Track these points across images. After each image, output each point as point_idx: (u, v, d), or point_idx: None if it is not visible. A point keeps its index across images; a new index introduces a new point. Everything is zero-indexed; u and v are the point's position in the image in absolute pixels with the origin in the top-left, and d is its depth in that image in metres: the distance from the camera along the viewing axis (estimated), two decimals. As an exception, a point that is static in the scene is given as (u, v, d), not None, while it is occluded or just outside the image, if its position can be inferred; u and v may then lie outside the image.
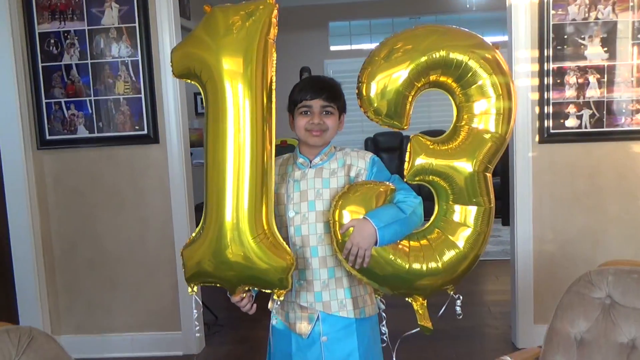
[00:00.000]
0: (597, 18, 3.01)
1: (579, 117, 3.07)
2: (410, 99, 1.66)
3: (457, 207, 1.69)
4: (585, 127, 3.07)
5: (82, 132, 3.20)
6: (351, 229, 1.64)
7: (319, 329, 1.76)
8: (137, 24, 3.11)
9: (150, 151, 3.22)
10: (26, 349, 1.57)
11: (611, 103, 3.05)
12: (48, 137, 3.23)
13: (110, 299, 3.35)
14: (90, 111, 3.18)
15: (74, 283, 3.36)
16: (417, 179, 1.70)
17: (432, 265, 1.68)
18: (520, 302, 3.23)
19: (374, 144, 7.16)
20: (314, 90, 1.77)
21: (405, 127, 1.69)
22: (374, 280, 1.71)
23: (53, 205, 3.31)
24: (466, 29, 1.68)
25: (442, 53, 1.61)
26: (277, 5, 1.63)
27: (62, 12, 3.15)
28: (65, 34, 3.15)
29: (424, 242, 1.71)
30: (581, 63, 3.04)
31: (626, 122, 3.06)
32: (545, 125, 3.09)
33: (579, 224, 3.16)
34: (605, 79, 3.03)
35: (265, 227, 1.61)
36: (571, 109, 3.07)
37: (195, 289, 1.71)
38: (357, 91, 1.68)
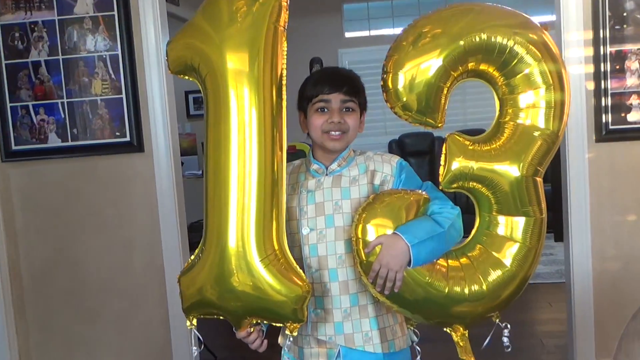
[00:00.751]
0: (662, -9, 3.02)
1: (644, 110, 3.07)
2: (445, 91, 1.68)
3: (502, 219, 1.71)
4: (652, 122, 3.07)
5: (54, 141, 3.23)
6: (378, 247, 1.65)
7: (340, 367, 1.76)
8: (115, 12, 3.15)
9: (134, 161, 3.26)
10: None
11: (682, 92, 3.04)
12: (14, 148, 3.26)
13: (90, 334, 3.37)
14: (62, 116, 3.22)
15: (47, 317, 3.38)
16: (455, 186, 1.72)
17: (475, 288, 1.69)
18: (578, 332, 3.21)
19: (399, 148, 7.17)
20: (333, 83, 1.79)
21: (439, 125, 1.71)
22: (406, 307, 1.73)
23: (21, 226, 3.35)
24: (507, 7, 1.70)
25: (483, 36, 1.63)
26: None
27: (27, 0, 3.19)
28: (32, 26, 3.19)
29: (464, 260, 1.73)
30: (645, 45, 3.04)
31: (701, 114, 3.05)
32: (604, 120, 3.09)
33: (648, 237, 3.15)
34: (675, 64, 3.03)
35: (276, 247, 1.63)
36: (634, 100, 3.07)
37: (194, 321, 1.73)
38: (382, 83, 1.70)
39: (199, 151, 7.10)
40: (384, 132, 7.17)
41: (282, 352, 1.84)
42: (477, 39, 1.63)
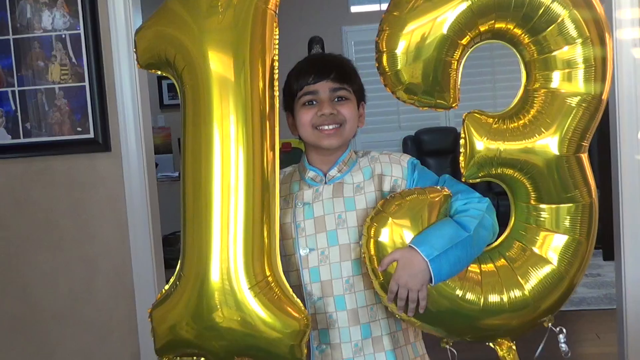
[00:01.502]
0: None
1: None
2: (454, 66, 1.69)
3: (544, 208, 1.73)
4: None
5: (2, 137, 3.25)
6: (394, 263, 1.67)
7: (351, 413, 1.79)
8: None
9: (98, 162, 3.27)
10: None
11: None
12: (-47, 146, 3.29)
13: (46, 375, 3.38)
14: (12, 107, 3.23)
15: (-7, 354, 3.39)
16: (481, 174, 1.74)
17: (516, 294, 1.71)
18: (633, 369, 3.21)
19: (415, 145, 7.24)
20: (319, 70, 1.81)
21: (454, 105, 1.73)
22: (436, 326, 1.76)
23: (-39, 243, 3.35)
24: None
25: None
26: None
27: (-33, -34, 3.22)
28: (-26, -1, 3.23)
29: (500, 262, 1.75)
30: None
31: None
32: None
33: None
34: None
35: (268, 273, 1.65)
36: None
37: (170, 364, 1.75)
38: (376, 65, 1.71)
39: (174, 148, 7.13)
40: (398, 126, 7.23)
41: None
42: None
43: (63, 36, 3.18)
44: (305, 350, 1.64)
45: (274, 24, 1.68)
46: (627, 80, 2.96)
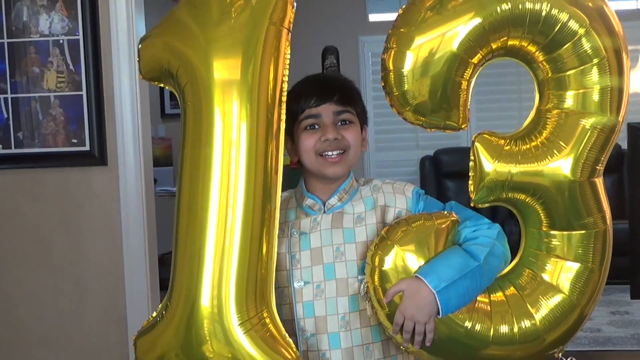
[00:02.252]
0: None
1: None
2: (464, 85, 1.71)
3: (555, 234, 1.76)
4: None
5: (-7, 147, 3.30)
6: (400, 294, 1.70)
7: None
8: None
9: (93, 177, 3.29)
10: None
11: None
12: (-60, 154, 3.30)
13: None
14: (5, 115, 3.25)
15: (-28, 378, 3.39)
16: (491, 198, 1.77)
17: (526, 324, 1.74)
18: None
19: (434, 166, 7.21)
20: (321, 92, 1.83)
21: (463, 127, 1.76)
22: (443, 358, 1.79)
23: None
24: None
25: (506, 6, 1.64)
26: None
27: (-37, -34, 3.24)
28: (-32, -1, 3.25)
29: (510, 291, 1.78)
30: None
31: None
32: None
33: None
34: None
35: (261, 309, 1.66)
36: None
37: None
38: (382, 84, 1.73)
39: (175, 161, 7.10)
40: (415, 145, 7.18)
41: None
42: (500, 10, 1.64)
43: (61, 41, 3.20)
44: None
45: (287, 43, 1.69)
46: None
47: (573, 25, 1.65)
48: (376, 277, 1.72)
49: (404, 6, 1.74)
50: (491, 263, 1.76)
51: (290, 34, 1.70)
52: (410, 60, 1.67)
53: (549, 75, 1.72)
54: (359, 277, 1.79)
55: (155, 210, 3.41)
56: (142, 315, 3.21)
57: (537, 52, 1.71)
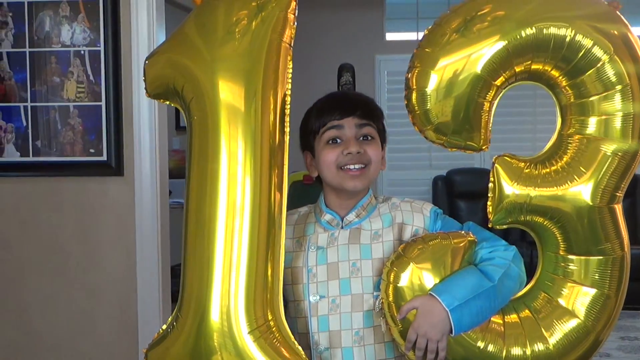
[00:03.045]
0: None
1: None
2: (487, 107, 1.71)
3: (572, 259, 1.74)
4: None
5: (12, 154, 3.28)
6: (414, 311, 1.69)
7: None
8: None
9: (109, 187, 3.30)
10: None
11: None
12: (-39, 160, 3.32)
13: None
14: (24, 123, 3.26)
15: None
16: (510, 220, 1.76)
17: (539, 347, 1.73)
18: None
19: (446, 186, 7.23)
20: (344, 106, 1.84)
21: (484, 148, 1.76)
22: None
23: (-40, 259, 3.38)
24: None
25: (530, 31, 1.64)
26: None
27: (-9, -23, 3.27)
28: (-5, 8, 3.27)
29: (524, 313, 1.77)
30: None
31: None
32: None
33: None
34: None
35: (270, 317, 1.66)
36: None
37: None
38: (405, 102, 1.74)
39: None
40: (428, 165, 7.20)
41: None
42: (524, 34, 1.64)
43: (82, 52, 3.21)
44: None
45: (288, 57, 1.71)
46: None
47: (597, 51, 1.65)
48: (391, 294, 1.71)
49: (429, 27, 1.73)
50: (506, 284, 1.75)
51: (291, 49, 1.71)
52: (434, 81, 1.67)
53: (572, 100, 1.71)
54: (374, 293, 1.79)
55: (169, 221, 3.41)
56: (153, 326, 3.20)
57: (561, 77, 1.71)
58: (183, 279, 1.69)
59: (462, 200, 7.08)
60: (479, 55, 1.65)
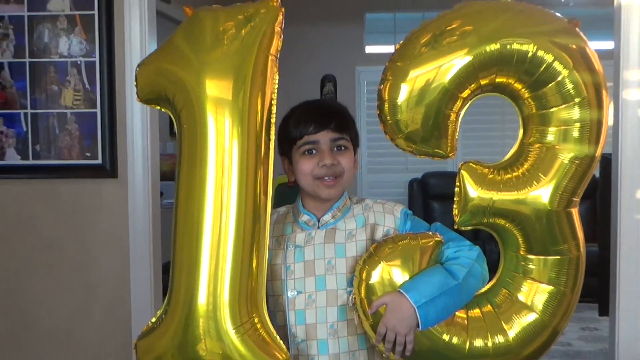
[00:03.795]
0: None
1: None
2: (453, 118, 1.73)
3: (531, 259, 1.78)
4: None
5: (12, 158, 3.30)
6: (384, 306, 1.73)
7: None
8: (96, 11, 3.21)
9: (104, 188, 3.31)
10: None
11: None
12: (-36, 163, 3.31)
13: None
14: (25, 129, 3.27)
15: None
16: (474, 222, 1.79)
17: (499, 339, 1.77)
18: None
19: (421, 188, 7.26)
20: (319, 119, 1.85)
21: (450, 155, 1.79)
22: None
23: (-37, 257, 3.39)
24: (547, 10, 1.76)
25: (495, 46, 1.66)
26: (282, 9, 1.74)
27: (-8, -9, 3.27)
28: (-3, 21, 3.27)
29: (487, 308, 1.81)
30: None
31: None
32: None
33: None
34: None
35: (254, 314, 1.68)
36: None
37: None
38: (377, 112, 1.76)
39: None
40: (405, 168, 7.20)
41: None
42: (489, 49, 1.66)
43: (78, 62, 3.23)
44: None
45: (275, 68, 1.72)
46: (631, 140, 3.00)
47: (557, 66, 1.67)
48: (363, 290, 1.75)
49: (401, 42, 1.76)
50: (470, 282, 1.79)
51: (277, 61, 1.72)
52: (405, 92, 1.69)
53: (534, 111, 1.74)
54: (348, 289, 1.82)
55: (160, 221, 3.42)
56: (145, 319, 3.08)
57: (523, 90, 1.73)
58: (172, 274, 1.70)
59: (436, 201, 7.11)
60: (449, 66, 1.67)
